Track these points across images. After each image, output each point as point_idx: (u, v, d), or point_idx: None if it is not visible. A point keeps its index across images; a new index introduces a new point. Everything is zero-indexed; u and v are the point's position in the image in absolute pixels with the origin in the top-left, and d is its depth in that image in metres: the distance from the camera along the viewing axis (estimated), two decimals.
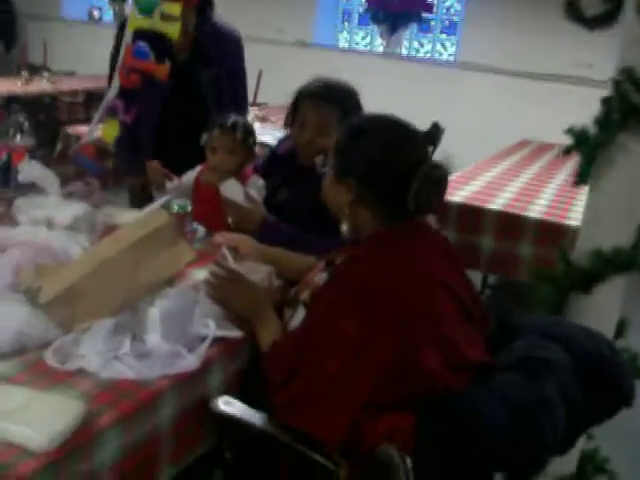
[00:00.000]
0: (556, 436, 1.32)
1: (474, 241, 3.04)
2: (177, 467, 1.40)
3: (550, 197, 3.40)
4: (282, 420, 1.38)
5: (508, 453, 1.32)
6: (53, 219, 1.90)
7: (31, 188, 2.01)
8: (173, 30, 2.25)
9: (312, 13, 6.92)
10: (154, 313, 1.41)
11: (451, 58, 6.64)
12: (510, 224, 3.00)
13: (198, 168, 2.31)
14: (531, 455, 1.32)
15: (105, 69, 2.68)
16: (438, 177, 1.46)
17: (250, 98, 5.20)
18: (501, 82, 5.90)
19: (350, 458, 1.30)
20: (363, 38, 7.15)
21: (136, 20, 2.22)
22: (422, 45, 6.90)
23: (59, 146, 4.04)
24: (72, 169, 3.06)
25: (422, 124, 1.57)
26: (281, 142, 2.43)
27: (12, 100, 5.19)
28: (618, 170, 1.82)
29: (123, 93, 2.32)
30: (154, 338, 1.39)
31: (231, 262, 1.72)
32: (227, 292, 1.61)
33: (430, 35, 6.83)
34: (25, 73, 5.86)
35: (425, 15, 6.49)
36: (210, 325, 1.47)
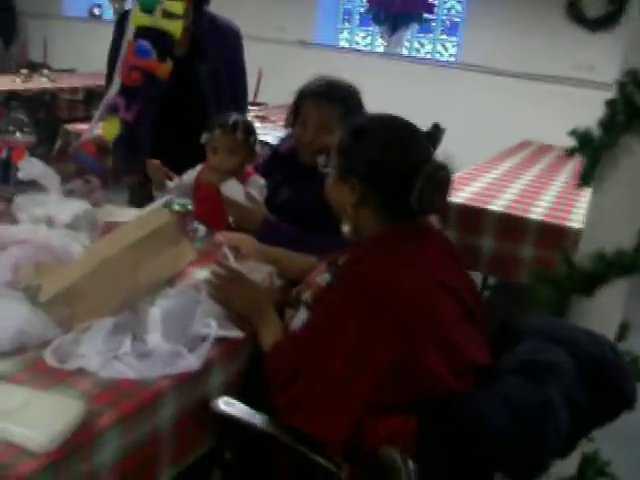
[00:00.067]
0: (559, 439, 1.32)
1: (474, 242, 3.03)
2: (177, 467, 1.39)
3: (551, 199, 3.40)
4: (284, 421, 1.37)
5: (511, 456, 1.31)
6: (53, 217, 1.89)
7: (31, 186, 2.00)
8: (175, 28, 2.24)
9: (313, 13, 6.91)
10: (155, 313, 1.40)
11: (452, 59, 6.63)
12: (511, 225, 2.99)
13: (199, 167, 2.30)
14: (534, 458, 1.32)
15: (105, 67, 2.67)
16: (442, 177, 1.45)
17: (250, 97, 5.20)
18: (502, 83, 5.89)
19: (351, 460, 1.30)
20: (364, 38, 7.14)
21: (138, 17, 2.21)
22: (423, 45, 6.89)
23: (59, 144, 4.02)
24: (72, 167, 3.04)
25: (422, 124, 1.56)
26: (282, 141, 2.43)
27: (12, 97, 5.17)
28: (622, 172, 1.82)
29: (124, 91, 2.31)
30: (155, 338, 1.38)
31: (232, 262, 1.71)
32: (228, 292, 1.60)
33: (431, 36, 6.82)
34: (25, 70, 5.85)
35: (426, 15, 6.48)
36: (211, 325, 1.46)
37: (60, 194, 2.01)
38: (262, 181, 2.21)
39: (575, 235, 2.80)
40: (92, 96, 5.63)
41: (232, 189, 2.01)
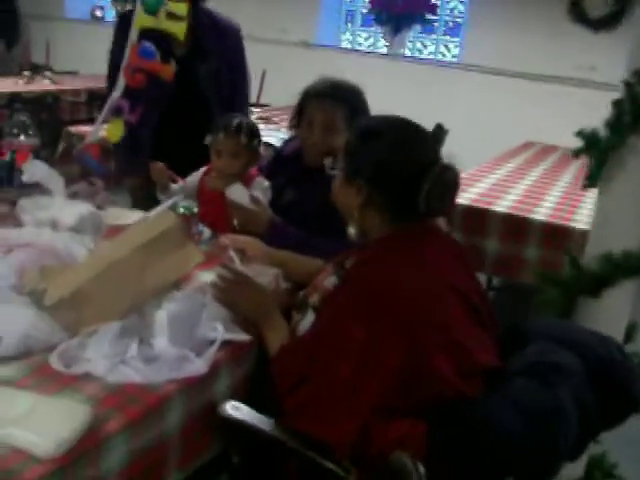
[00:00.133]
0: (569, 442, 1.31)
1: (479, 243, 3.02)
2: (185, 472, 1.38)
3: (555, 199, 3.38)
4: (291, 424, 1.36)
5: (521, 460, 1.30)
6: (57, 220, 1.88)
7: (35, 188, 2.00)
8: (179, 29, 2.23)
9: (315, 14, 6.90)
10: (161, 316, 1.39)
11: (454, 59, 6.62)
12: (515, 226, 2.98)
13: (203, 169, 2.29)
14: (545, 462, 1.31)
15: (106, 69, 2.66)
16: (449, 179, 1.44)
17: (253, 99, 5.19)
18: (504, 83, 5.88)
19: (359, 464, 1.29)
20: (366, 39, 7.13)
21: (142, 19, 2.20)
22: (425, 46, 6.88)
23: (62, 146, 4.01)
24: (76, 169, 3.04)
25: (425, 125, 1.56)
26: (287, 143, 2.42)
27: (14, 99, 5.17)
28: (629, 173, 1.81)
29: (128, 93, 2.30)
30: (161, 342, 1.37)
31: (238, 265, 1.70)
32: (234, 295, 1.59)
33: (433, 36, 6.82)
34: (27, 72, 5.85)
35: (428, 16, 6.47)
36: (218, 328, 1.45)
37: (64, 197, 2.00)
38: (266, 183, 2.21)
39: (580, 236, 2.79)
40: (94, 98, 5.62)
41: (237, 193, 2.00)
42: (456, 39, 6.66)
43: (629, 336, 1.97)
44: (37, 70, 6.23)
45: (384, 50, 6.84)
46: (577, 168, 4.20)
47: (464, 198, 3.15)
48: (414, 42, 6.86)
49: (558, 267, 2.78)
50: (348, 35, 7.20)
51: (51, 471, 1.04)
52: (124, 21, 2.45)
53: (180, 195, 2.17)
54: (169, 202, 1.90)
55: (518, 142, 5.17)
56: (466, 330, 1.41)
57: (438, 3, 6.50)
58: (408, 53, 6.82)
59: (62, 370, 1.29)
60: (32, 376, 1.28)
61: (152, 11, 2.19)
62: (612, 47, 5.23)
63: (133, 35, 2.22)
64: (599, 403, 1.37)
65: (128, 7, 4.20)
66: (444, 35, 6.76)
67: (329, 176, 2.04)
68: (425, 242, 1.49)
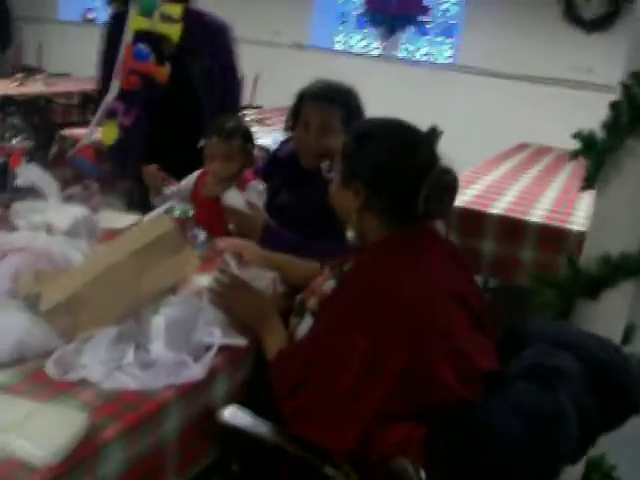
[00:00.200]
0: (570, 446, 1.30)
1: (475, 245, 3.02)
2: (183, 479, 1.36)
3: (551, 201, 3.38)
4: (290, 430, 1.35)
5: (522, 464, 1.29)
6: (52, 224, 1.86)
7: (29, 192, 1.98)
8: (174, 31, 2.22)
9: (308, 15, 6.89)
10: (158, 321, 1.37)
11: (448, 61, 6.62)
12: (512, 228, 2.97)
13: (197, 172, 2.28)
14: (545, 466, 1.30)
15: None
16: (448, 182, 1.44)
17: (247, 100, 5.18)
18: (498, 85, 5.88)
19: (359, 468, 1.28)
20: (359, 41, 7.12)
21: (137, 21, 2.18)
22: (419, 48, 6.87)
23: (55, 149, 3.99)
24: (69, 172, 3.02)
25: (420, 127, 1.55)
26: (282, 145, 2.40)
27: (6, 102, 5.14)
28: (626, 175, 1.80)
29: (122, 95, 2.28)
30: (158, 347, 1.35)
31: (235, 268, 1.69)
32: (231, 299, 1.58)
33: (427, 38, 6.81)
34: (20, 75, 5.82)
35: (422, 18, 6.47)
36: (215, 333, 1.43)
37: (58, 200, 1.98)
38: (262, 186, 2.19)
39: (575, 237, 2.79)
40: (87, 100, 5.59)
41: (233, 199, 1.99)
42: (450, 40, 6.65)
43: (627, 338, 1.97)
44: (30, 73, 6.20)
45: (378, 52, 6.83)
46: (572, 169, 4.20)
47: (460, 200, 3.14)
48: (408, 44, 6.85)
49: (553, 269, 2.78)
50: (341, 37, 7.19)
51: None
52: (113, 24, 2.44)
53: (175, 199, 2.15)
54: (164, 206, 1.89)
55: (513, 143, 5.18)
56: (467, 335, 1.40)
57: (431, 5, 6.49)
58: (402, 55, 6.81)
59: (58, 376, 1.28)
60: (26, 382, 1.27)
61: (147, 13, 2.18)
62: (606, 48, 5.27)
63: (128, 37, 2.21)
64: (599, 406, 1.36)
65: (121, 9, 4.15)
66: (438, 37, 6.75)
67: (325, 178, 2.03)
68: (424, 246, 1.48)
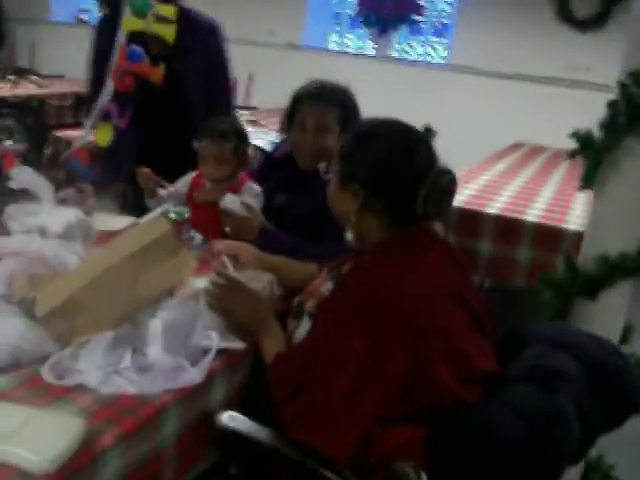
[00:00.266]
0: (571, 448, 1.29)
1: (472, 245, 3.01)
2: None
3: (546, 201, 3.38)
4: (288, 434, 1.34)
5: (522, 466, 1.28)
6: (46, 227, 1.84)
7: (23, 195, 1.96)
8: (169, 32, 2.20)
9: (302, 16, 6.88)
10: (155, 325, 1.36)
11: (442, 61, 6.61)
12: (508, 228, 2.96)
13: (192, 174, 2.26)
14: (546, 468, 1.29)
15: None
16: (447, 183, 1.43)
17: (241, 101, 5.17)
18: (492, 84, 5.88)
19: (360, 472, 1.27)
20: (353, 41, 7.11)
21: (131, 22, 2.17)
22: (413, 47, 6.87)
23: (48, 150, 3.97)
24: (62, 174, 3.00)
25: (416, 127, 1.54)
26: (277, 147, 2.39)
27: None
28: (624, 174, 1.80)
29: (116, 97, 2.27)
30: (155, 351, 1.33)
31: (231, 271, 1.67)
32: (228, 302, 1.57)
33: (421, 37, 6.80)
34: (12, 76, 5.78)
35: (416, 18, 6.47)
36: (213, 337, 1.42)
37: (53, 203, 1.96)
38: (258, 189, 2.18)
39: (572, 237, 2.79)
40: (80, 102, 5.56)
41: (230, 204, 1.98)
42: (444, 40, 6.65)
43: (625, 338, 1.96)
44: (22, 74, 6.16)
45: (372, 52, 6.83)
46: (566, 168, 4.20)
47: (456, 200, 3.13)
48: (402, 44, 6.84)
49: (550, 269, 2.78)
50: (335, 37, 7.18)
51: None
52: (103, 26, 2.42)
53: (170, 201, 2.14)
54: (160, 208, 1.87)
55: (508, 143, 5.18)
56: (466, 335, 1.39)
57: (425, 5, 6.49)
58: (396, 55, 6.80)
59: (54, 382, 1.26)
60: (22, 388, 1.25)
61: (140, 14, 2.16)
62: (600, 47, 5.27)
63: (121, 38, 2.19)
64: (599, 407, 1.36)
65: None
66: (432, 36, 6.75)
67: (321, 179, 2.02)
68: (423, 247, 1.47)
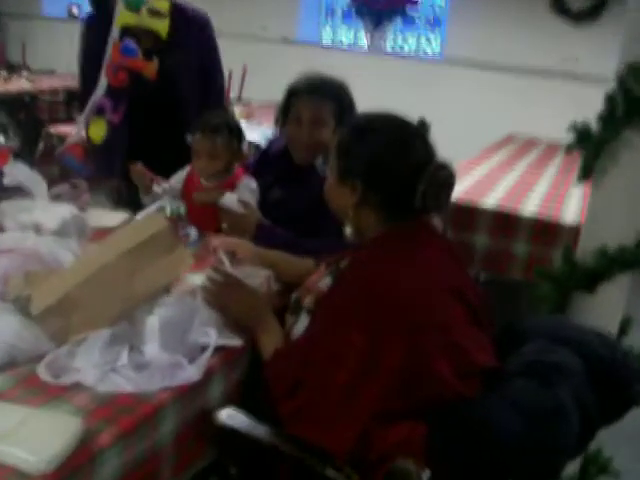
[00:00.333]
0: (571, 442, 1.29)
1: (468, 239, 3.00)
2: None
3: (542, 194, 3.37)
4: (287, 430, 1.33)
5: (521, 460, 1.28)
6: (40, 224, 1.83)
7: (17, 191, 1.94)
8: (163, 27, 2.18)
9: (295, 10, 6.85)
10: (152, 322, 1.34)
11: (436, 53, 6.60)
12: (505, 222, 2.96)
13: (187, 169, 2.25)
14: (547, 463, 1.29)
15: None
16: (445, 177, 1.42)
17: (235, 96, 5.14)
18: (487, 77, 5.88)
19: (360, 469, 1.26)
20: (347, 34, 7.08)
21: (124, 17, 2.14)
22: (406, 40, 6.84)
23: (41, 146, 3.94)
24: (56, 170, 2.98)
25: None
26: (272, 142, 2.38)
27: None
28: (622, 167, 1.79)
29: (110, 92, 2.24)
30: (152, 348, 1.32)
31: (228, 267, 1.66)
32: (225, 298, 1.55)
33: (414, 31, 6.78)
34: (3, 72, 5.74)
35: (409, 10, 6.45)
36: (210, 333, 1.41)
37: (47, 199, 1.95)
38: (254, 184, 2.16)
39: (569, 231, 2.78)
40: (73, 97, 5.53)
41: (228, 201, 1.97)
42: (437, 31, 6.63)
43: (623, 331, 1.96)
44: (13, 69, 6.12)
45: (366, 46, 6.80)
46: (561, 161, 4.20)
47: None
48: (395, 37, 6.82)
49: (547, 262, 2.78)
50: (329, 30, 7.15)
51: None
52: (92, 23, 2.39)
53: (166, 196, 2.12)
54: (156, 204, 1.86)
55: (502, 135, 5.16)
56: (464, 330, 1.38)
57: None
58: (390, 48, 6.78)
59: (50, 381, 1.25)
60: (18, 387, 1.24)
61: (134, 8, 2.14)
62: (594, 39, 5.28)
63: (115, 33, 2.17)
64: (598, 401, 1.35)
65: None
66: (425, 29, 6.72)
67: (316, 174, 2.01)
68: (421, 241, 1.46)
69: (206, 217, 2.06)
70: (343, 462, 1.25)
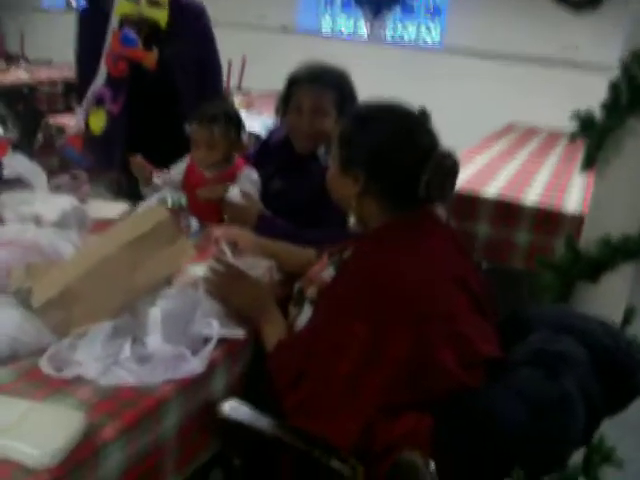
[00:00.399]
0: (576, 432, 1.29)
1: (470, 228, 2.99)
2: (182, 475, 1.33)
3: (544, 183, 3.36)
4: (291, 422, 1.32)
5: (527, 451, 1.27)
6: (40, 215, 1.82)
7: (16, 183, 1.93)
8: (161, 16, 2.16)
9: None
10: (154, 314, 1.33)
11: (436, 42, 6.57)
12: (507, 211, 2.95)
13: (186, 159, 2.23)
14: (552, 453, 1.28)
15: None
16: (449, 166, 1.41)
17: (235, 85, 5.12)
18: (487, 66, 5.85)
19: (365, 460, 1.25)
20: (346, 23, 7.04)
21: (123, 6, 2.12)
22: (406, 28, 6.81)
23: (40, 137, 3.92)
24: (56, 161, 2.96)
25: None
26: (273, 131, 2.36)
27: None
28: (626, 156, 1.78)
29: (109, 82, 2.23)
30: (155, 340, 1.31)
31: (230, 257, 1.65)
32: (228, 289, 1.54)
33: (414, 19, 6.74)
34: (2, 63, 5.71)
35: None
36: (213, 325, 1.40)
37: (46, 191, 1.93)
38: (255, 175, 2.15)
39: (571, 220, 2.77)
40: (71, 88, 5.50)
41: (232, 196, 1.96)
42: (437, 20, 6.59)
43: (627, 320, 1.95)
44: (11, 60, 6.09)
45: (365, 35, 6.77)
46: (563, 149, 4.18)
47: None
48: (395, 25, 6.78)
49: (548, 252, 2.77)
50: (328, 19, 7.11)
51: None
52: (87, 14, 2.37)
53: (166, 187, 2.11)
54: (157, 195, 1.85)
55: (502, 123, 5.14)
56: (468, 320, 1.38)
57: None
58: (389, 36, 6.75)
59: (52, 374, 1.24)
60: (20, 381, 1.23)
61: None
62: (594, 28, 5.25)
63: (114, 22, 2.15)
64: (603, 391, 1.35)
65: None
66: (424, 18, 6.69)
67: (317, 164, 2.00)
68: (425, 230, 1.45)
69: (207, 208, 2.04)
70: (348, 453, 1.24)
